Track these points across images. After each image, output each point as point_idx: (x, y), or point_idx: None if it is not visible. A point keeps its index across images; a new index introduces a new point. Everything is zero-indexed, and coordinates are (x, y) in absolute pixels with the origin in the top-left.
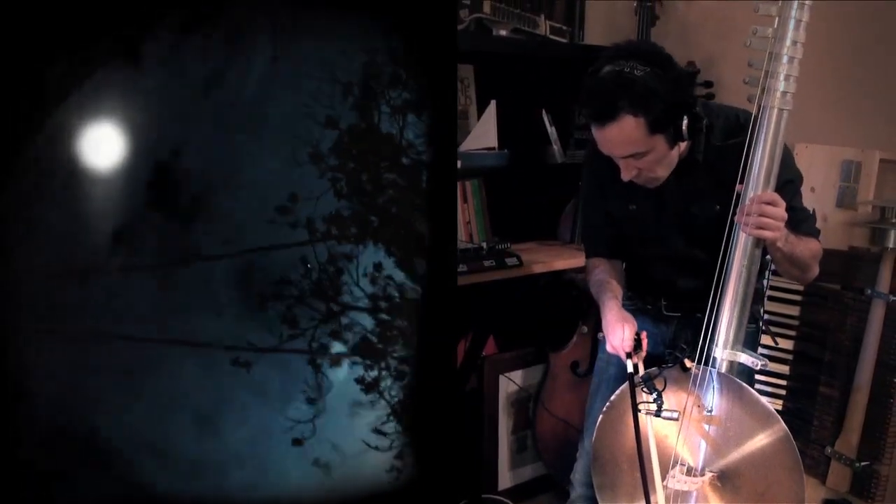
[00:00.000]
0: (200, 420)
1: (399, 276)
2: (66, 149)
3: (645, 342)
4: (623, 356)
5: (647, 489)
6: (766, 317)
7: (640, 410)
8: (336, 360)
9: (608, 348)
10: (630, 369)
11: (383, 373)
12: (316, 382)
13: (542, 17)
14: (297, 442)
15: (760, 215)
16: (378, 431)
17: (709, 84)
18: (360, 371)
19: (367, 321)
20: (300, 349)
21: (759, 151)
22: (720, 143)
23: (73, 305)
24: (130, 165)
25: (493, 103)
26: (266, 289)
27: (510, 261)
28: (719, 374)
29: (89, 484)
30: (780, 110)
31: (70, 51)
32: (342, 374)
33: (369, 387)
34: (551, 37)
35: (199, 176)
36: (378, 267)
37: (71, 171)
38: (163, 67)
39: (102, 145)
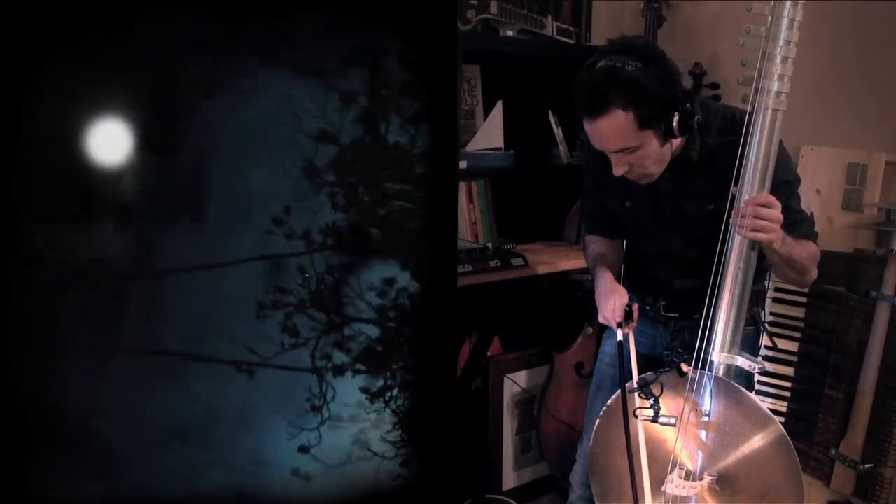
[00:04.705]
0: (203, 427)
1: (399, 281)
2: (63, 147)
3: (636, 314)
4: (614, 326)
5: (633, 471)
6: (770, 319)
7: (632, 404)
8: (340, 367)
9: (600, 319)
10: (619, 338)
11: (387, 379)
12: (321, 390)
13: (549, 17)
14: (304, 449)
15: (755, 217)
16: (383, 434)
17: (715, 86)
18: (364, 378)
19: (370, 329)
20: (303, 362)
21: (754, 153)
22: (715, 141)
23: (74, 317)
24: (123, 172)
25: (499, 104)
26: (269, 299)
27: (515, 261)
28: (716, 377)
29: (89, 487)
30: (775, 111)
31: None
32: (347, 381)
33: (374, 393)
34: (558, 38)
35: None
36: (387, 280)
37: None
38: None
39: (96, 153)
